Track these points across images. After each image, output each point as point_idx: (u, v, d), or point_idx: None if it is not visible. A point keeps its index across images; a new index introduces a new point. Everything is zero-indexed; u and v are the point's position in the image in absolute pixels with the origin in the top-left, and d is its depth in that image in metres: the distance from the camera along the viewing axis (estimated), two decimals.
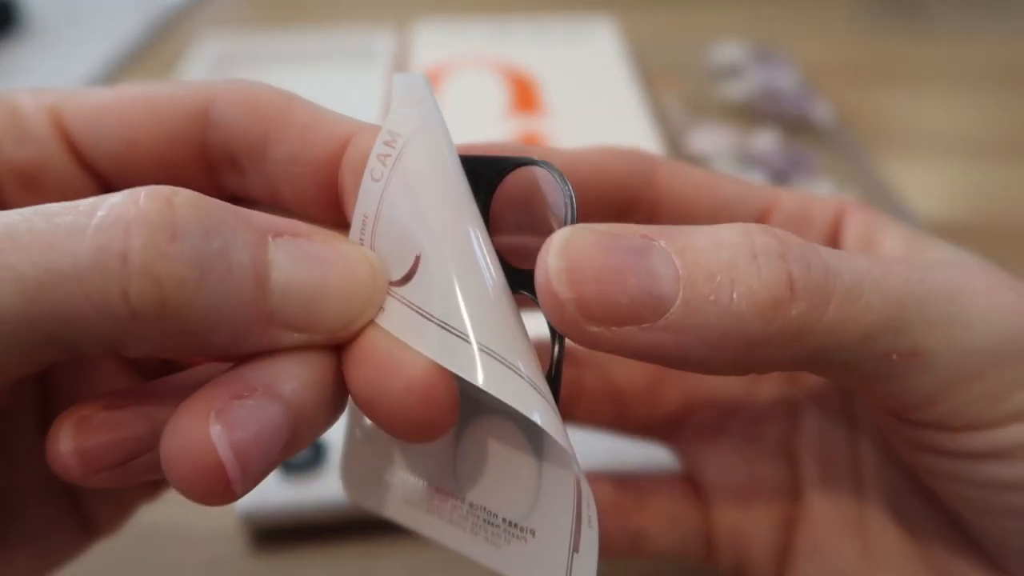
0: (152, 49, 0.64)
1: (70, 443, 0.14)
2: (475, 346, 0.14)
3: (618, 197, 0.19)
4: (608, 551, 0.20)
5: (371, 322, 0.15)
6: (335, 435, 0.28)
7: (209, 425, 0.13)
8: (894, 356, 0.14)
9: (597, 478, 0.21)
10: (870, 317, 0.14)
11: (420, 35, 0.59)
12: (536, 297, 0.14)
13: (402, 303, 0.15)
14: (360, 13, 0.69)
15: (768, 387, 0.22)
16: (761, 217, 0.20)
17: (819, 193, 0.42)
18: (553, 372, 0.15)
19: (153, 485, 0.20)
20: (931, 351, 0.14)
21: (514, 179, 0.16)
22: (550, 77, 0.53)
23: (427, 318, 0.14)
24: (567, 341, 0.15)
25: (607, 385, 0.22)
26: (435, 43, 0.58)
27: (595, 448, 0.22)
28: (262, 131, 0.16)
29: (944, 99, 0.55)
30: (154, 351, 0.13)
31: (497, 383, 0.14)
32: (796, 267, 0.14)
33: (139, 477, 0.15)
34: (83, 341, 0.13)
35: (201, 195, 0.13)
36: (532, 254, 0.14)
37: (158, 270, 0.12)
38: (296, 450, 0.15)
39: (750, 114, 0.51)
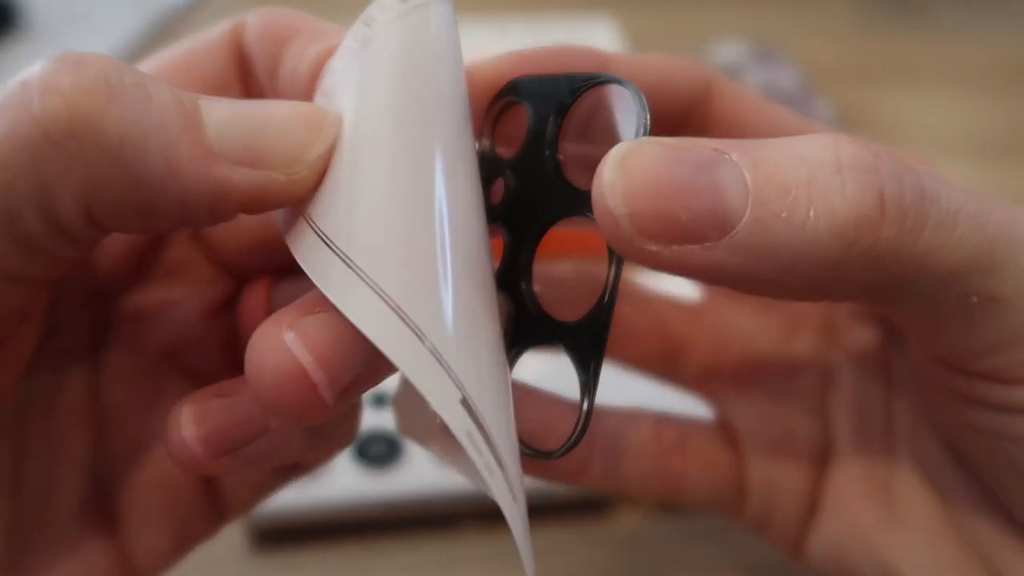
0: (152, 49, 0.64)
1: (192, 429, 0.14)
2: (341, 258, 0.13)
3: (673, 112, 0.18)
4: (647, 492, 0.20)
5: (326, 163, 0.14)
6: None
7: (283, 334, 0.13)
8: (974, 298, 0.13)
9: (639, 415, 0.21)
10: (961, 252, 0.13)
11: None
12: (590, 217, 0.14)
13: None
14: (360, 13, 0.69)
15: (803, 342, 0.22)
16: None
17: None
18: (607, 297, 0.15)
19: (210, 522, 0.19)
20: (1011, 298, 0.14)
21: (585, 98, 0.16)
22: None
23: (308, 220, 0.14)
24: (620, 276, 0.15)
25: (635, 330, 0.22)
26: None
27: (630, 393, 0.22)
28: (275, 56, 0.16)
29: (944, 99, 0.55)
30: (91, 195, 0.13)
31: (361, 310, 0.13)
32: (889, 184, 0.12)
33: (256, 463, 0.15)
34: (16, 203, 0.12)
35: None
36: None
37: (61, 83, 0.12)
38: (385, 372, 0.14)
39: None
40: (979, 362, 0.15)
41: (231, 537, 0.27)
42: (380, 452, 0.28)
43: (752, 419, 0.21)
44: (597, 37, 0.59)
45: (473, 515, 0.27)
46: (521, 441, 0.16)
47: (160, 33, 0.67)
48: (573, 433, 0.15)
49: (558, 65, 0.17)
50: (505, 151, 0.17)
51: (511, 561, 0.26)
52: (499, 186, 0.17)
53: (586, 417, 0.15)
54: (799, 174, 0.12)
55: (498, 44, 0.63)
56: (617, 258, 0.15)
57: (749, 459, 0.21)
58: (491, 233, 0.17)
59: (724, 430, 0.22)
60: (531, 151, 0.16)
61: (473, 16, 0.64)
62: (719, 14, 0.69)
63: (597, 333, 0.15)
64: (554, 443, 0.17)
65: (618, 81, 0.15)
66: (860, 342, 0.21)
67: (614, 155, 0.13)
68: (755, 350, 0.22)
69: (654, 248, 0.13)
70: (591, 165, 0.16)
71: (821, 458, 0.21)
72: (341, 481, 0.27)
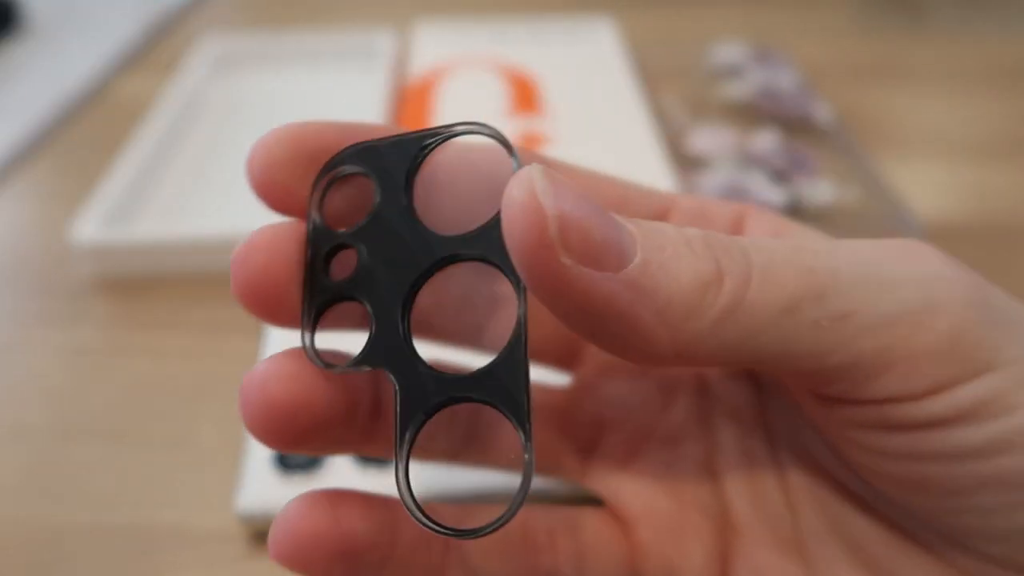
0: (152, 49, 0.64)
1: None
2: None
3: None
4: None
5: None
6: None
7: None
8: (823, 322, 0.14)
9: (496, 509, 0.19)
10: (787, 288, 0.14)
11: (420, 35, 0.59)
12: (478, 253, 0.14)
13: None
14: (360, 13, 0.69)
15: (681, 407, 0.21)
16: (661, 216, 0.19)
17: (817, 193, 0.42)
18: (522, 328, 0.14)
19: None
20: (857, 311, 0.14)
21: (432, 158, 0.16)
22: (550, 77, 0.53)
23: None
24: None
25: (503, 432, 0.20)
26: (435, 43, 0.58)
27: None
28: None
29: (944, 99, 0.55)
30: None
31: None
32: (721, 252, 0.14)
33: None
34: None
35: None
36: (467, 220, 0.14)
37: None
38: None
39: (750, 114, 0.51)
40: (874, 386, 0.15)
41: (231, 537, 0.27)
42: None
43: (639, 496, 0.20)
44: (597, 38, 0.59)
45: None
46: (440, 525, 0.14)
47: (160, 33, 0.67)
48: (520, 491, 0.13)
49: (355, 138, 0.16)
50: (339, 224, 0.16)
51: None
52: (344, 260, 0.16)
53: (529, 467, 0.14)
54: (665, 235, 0.14)
55: (498, 45, 0.63)
56: (524, 288, 0.14)
57: (643, 543, 0.19)
58: (336, 311, 0.16)
59: (611, 516, 0.20)
60: (383, 216, 0.16)
61: (473, 16, 0.64)
62: (719, 15, 0.69)
63: (518, 369, 0.14)
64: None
65: (475, 129, 0.15)
66: (735, 399, 0.21)
67: (536, 168, 0.13)
68: (634, 423, 0.21)
69: (567, 262, 0.13)
70: (452, 217, 0.16)
71: (722, 527, 0.20)
72: (341, 481, 0.27)
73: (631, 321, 0.14)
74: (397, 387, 0.15)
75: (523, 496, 0.14)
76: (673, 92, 0.54)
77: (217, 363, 0.34)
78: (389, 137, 0.16)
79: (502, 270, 0.15)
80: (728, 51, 0.58)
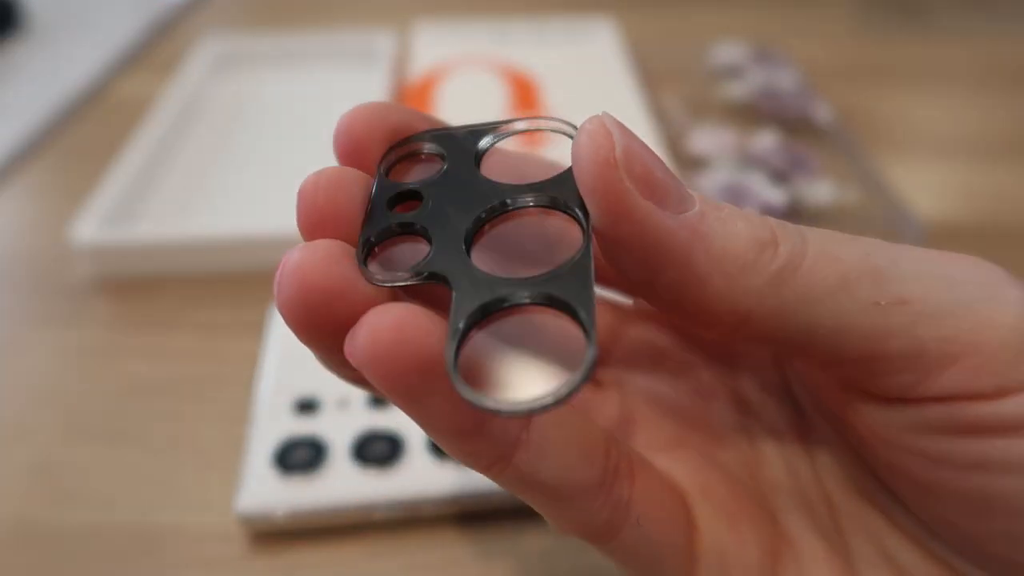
0: (152, 49, 0.64)
1: None
2: None
3: None
4: (584, 524, 0.16)
5: None
6: (332, 435, 0.28)
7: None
8: (881, 302, 0.14)
9: (587, 419, 0.17)
10: (844, 264, 0.15)
11: (420, 35, 0.59)
12: (547, 193, 0.15)
13: None
14: (360, 13, 0.69)
15: (717, 413, 0.20)
16: None
17: (817, 193, 0.42)
18: (586, 250, 0.14)
19: None
20: (917, 299, 0.14)
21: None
22: (550, 77, 0.53)
23: None
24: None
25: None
26: (435, 43, 0.58)
27: None
28: None
29: (944, 99, 0.55)
30: None
31: None
32: (777, 225, 0.15)
33: None
34: None
35: None
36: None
37: None
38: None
39: (750, 114, 0.51)
40: (935, 380, 0.14)
41: (231, 537, 0.27)
42: (380, 452, 0.28)
43: (695, 475, 0.19)
44: (597, 38, 0.59)
45: (473, 515, 0.27)
46: (490, 399, 0.13)
47: (160, 33, 0.67)
48: (585, 359, 0.12)
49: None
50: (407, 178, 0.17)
51: (511, 561, 0.26)
52: (407, 206, 0.17)
53: (592, 351, 0.13)
54: (723, 204, 0.15)
55: (498, 45, 0.63)
56: (588, 224, 0.15)
57: (698, 519, 0.18)
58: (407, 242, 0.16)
59: (673, 485, 0.19)
60: (451, 173, 0.17)
61: (473, 17, 0.64)
62: (719, 15, 0.69)
63: (581, 272, 0.14)
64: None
65: (556, 126, 0.16)
66: (775, 419, 0.20)
67: (608, 114, 0.14)
68: (670, 423, 0.20)
69: (629, 186, 0.14)
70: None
71: (772, 534, 0.19)
72: (341, 481, 0.27)
73: (687, 265, 0.14)
74: (453, 288, 0.14)
75: (586, 374, 0.12)
76: (673, 92, 0.54)
77: (217, 363, 0.34)
78: (467, 125, 0.17)
79: (569, 211, 0.15)
80: (728, 51, 0.58)
